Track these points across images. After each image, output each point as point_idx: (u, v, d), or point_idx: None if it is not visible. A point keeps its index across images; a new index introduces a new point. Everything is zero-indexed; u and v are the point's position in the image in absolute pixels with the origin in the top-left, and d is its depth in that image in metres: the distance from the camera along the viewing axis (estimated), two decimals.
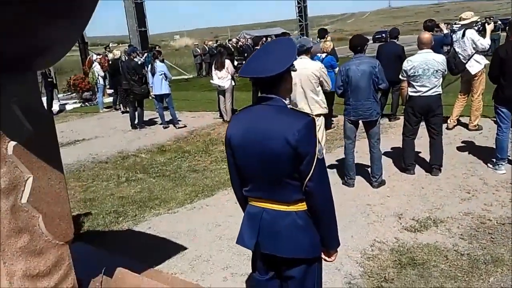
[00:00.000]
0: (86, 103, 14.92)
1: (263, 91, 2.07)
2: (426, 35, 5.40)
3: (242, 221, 2.21)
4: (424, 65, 5.18)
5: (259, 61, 2.06)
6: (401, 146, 5.74)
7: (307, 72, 5.10)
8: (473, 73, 7.04)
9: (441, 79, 5.32)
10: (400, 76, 5.55)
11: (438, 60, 5.21)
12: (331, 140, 7.48)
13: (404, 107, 5.71)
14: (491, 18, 17.66)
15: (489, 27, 7.84)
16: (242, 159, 2.10)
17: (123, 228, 4.79)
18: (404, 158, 5.67)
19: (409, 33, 43.75)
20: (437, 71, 5.16)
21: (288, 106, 2.29)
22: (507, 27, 5.76)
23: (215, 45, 19.70)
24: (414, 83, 5.29)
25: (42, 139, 2.50)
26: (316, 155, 1.95)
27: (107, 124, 11.16)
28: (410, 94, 5.40)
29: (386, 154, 6.29)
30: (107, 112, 13.12)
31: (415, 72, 5.23)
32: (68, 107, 14.69)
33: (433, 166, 5.50)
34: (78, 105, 14.94)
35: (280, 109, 2.03)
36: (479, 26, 16.88)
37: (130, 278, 3.10)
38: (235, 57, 18.65)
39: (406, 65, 5.36)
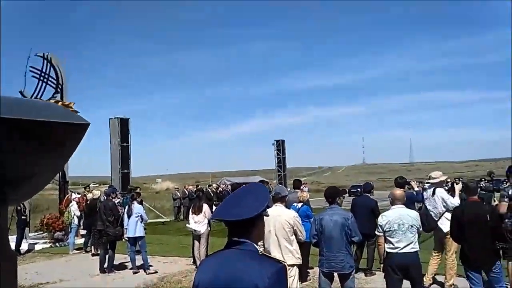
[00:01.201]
0: (57, 244, 14.39)
1: (234, 235, 2.06)
2: (399, 191, 5.60)
3: None
4: (399, 220, 5.22)
5: (232, 204, 2.10)
6: None
7: (281, 219, 5.17)
8: (444, 231, 7.16)
9: (417, 235, 5.34)
10: (376, 232, 5.53)
11: (412, 216, 5.30)
12: None
13: (382, 263, 5.64)
14: (460, 179, 18.63)
15: (458, 187, 8.15)
16: None
17: None
18: None
19: (383, 189, 45.35)
20: (412, 226, 5.20)
21: (260, 252, 2.29)
22: (463, 188, 6.11)
23: (195, 189, 19.98)
24: (391, 239, 5.26)
25: (3, 281, 2.40)
26: None
27: (75, 266, 10.67)
28: (388, 250, 5.32)
29: None
30: (76, 254, 12.61)
31: (390, 228, 5.24)
32: (37, 247, 14.12)
33: None
34: (48, 245, 14.40)
35: (251, 254, 2.01)
36: (449, 185, 17.65)
37: None
38: (214, 202, 18.81)
39: (381, 220, 5.40)
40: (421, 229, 5.47)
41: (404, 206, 5.47)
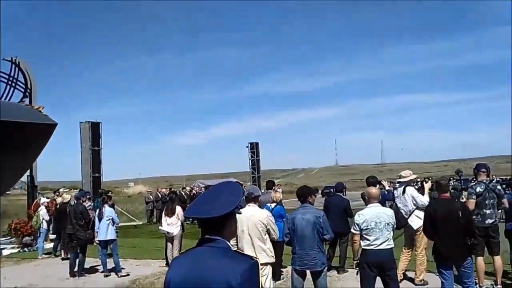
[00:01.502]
0: (25, 248, 14.03)
1: (207, 232, 2.05)
2: (374, 190, 5.60)
3: None
4: (376, 218, 5.23)
5: (205, 202, 2.10)
6: None
7: (254, 219, 5.19)
8: (414, 228, 7.32)
9: (392, 233, 5.39)
10: (353, 230, 5.50)
11: (388, 214, 5.34)
12: None
13: (356, 261, 5.68)
14: (430, 178, 19.04)
15: (427, 185, 8.34)
16: None
17: None
18: None
19: (355, 190, 45.99)
20: (388, 224, 5.22)
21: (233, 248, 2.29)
22: (435, 186, 6.24)
23: (168, 192, 19.82)
24: (368, 237, 5.26)
25: None
26: None
27: (44, 271, 10.41)
28: (364, 247, 5.33)
29: None
30: (46, 258, 12.32)
31: (367, 226, 5.23)
32: (5, 252, 13.72)
33: None
34: (16, 250, 14.02)
35: (223, 251, 2.00)
36: (419, 184, 18.03)
37: None
38: (187, 205, 18.68)
39: (358, 218, 5.35)
40: (395, 226, 5.53)
41: (379, 204, 5.49)
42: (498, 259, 6.65)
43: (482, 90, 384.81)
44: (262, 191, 11.40)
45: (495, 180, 11.24)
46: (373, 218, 5.27)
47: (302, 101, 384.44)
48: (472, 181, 8.39)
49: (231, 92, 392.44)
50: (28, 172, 16.73)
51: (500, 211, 7.31)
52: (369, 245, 5.27)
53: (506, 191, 7.97)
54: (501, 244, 6.77)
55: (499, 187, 6.91)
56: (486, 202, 6.55)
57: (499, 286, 6.64)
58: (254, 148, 31.72)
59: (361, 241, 5.36)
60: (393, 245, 5.35)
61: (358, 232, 5.36)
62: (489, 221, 6.55)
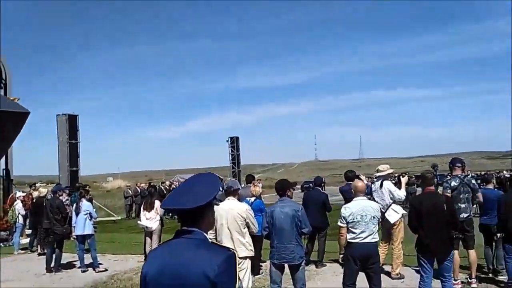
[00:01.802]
0: (1, 244, 13.76)
1: (184, 224, 2.04)
2: (361, 183, 5.58)
3: None
4: (362, 211, 5.22)
5: (182, 193, 2.07)
6: None
7: (233, 213, 5.18)
8: (391, 222, 7.41)
9: (377, 226, 5.39)
10: (339, 223, 5.47)
11: (374, 207, 5.34)
12: (259, 287, 7.26)
13: (341, 254, 5.65)
14: (407, 173, 19.31)
15: (404, 180, 8.46)
16: None
17: None
18: None
19: (334, 184, 46.33)
20: (374, 217, 5.22)
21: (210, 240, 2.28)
22: (420, 180, 6.29)
23: (147, 186, 19.67)
24: (353, 230, 5.24)
25: None
26: None
27: (20, 266, 10.23)
28: (349, 240, 5.31)
29: None
30: (22, 254, 12.12)
31: (354, 219, 5.22)
32: None
33: None
34: None
35: (200, 242, 1.99)
36: (396, 179, 18.26)
37: None
38: None
39: (345, 212, 5.33)
40: (380, 219, 5.52)
41: (365, 198, 5.50)
42: (472, 253, 6.77)
43: (459, 86, 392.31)
44: (242, 185, 11.40)
45: (470, 175, 11.45)
46: (359, 211, 5.25)
47: (283, 96, 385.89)
48: (448, 176, 8.50)
49: (212, 86, 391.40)
50: (3, 166, 16.43)
51: (474, 205, 7.41)
52: (354, 238, 5.24)
53: (481, 186, 8.11)
54: (475, 238, 6.88)
55: (473, 181, 7.00)
56: (461, 196, 6.63)
57: (473, 279, 6.78)
58: (234, 142, 31.71)
59: (347, 234, 5.34)
60: (377, 239, 5.35)
61: (345, 225, 5.32)
62: (464, 215, 6.63)
